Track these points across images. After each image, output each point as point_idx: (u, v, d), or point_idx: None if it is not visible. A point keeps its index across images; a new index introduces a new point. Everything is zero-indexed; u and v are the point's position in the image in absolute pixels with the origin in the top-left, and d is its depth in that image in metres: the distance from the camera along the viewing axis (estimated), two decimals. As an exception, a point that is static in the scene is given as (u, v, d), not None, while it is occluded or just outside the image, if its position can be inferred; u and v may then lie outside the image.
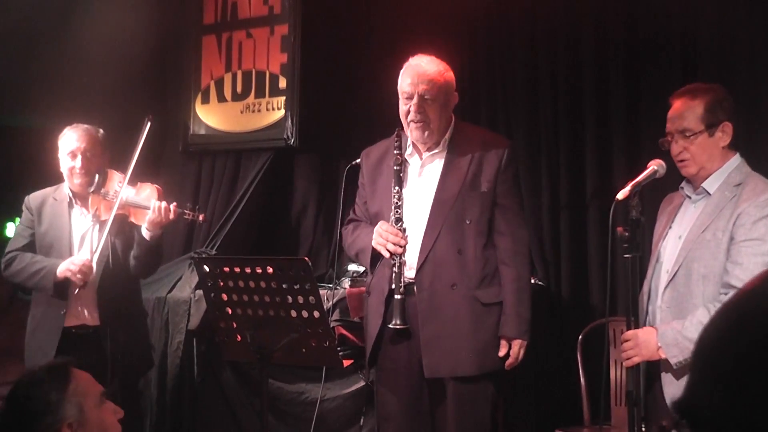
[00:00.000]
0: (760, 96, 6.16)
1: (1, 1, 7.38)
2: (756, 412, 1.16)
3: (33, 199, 6.47)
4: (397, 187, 5.33)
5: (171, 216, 6.15)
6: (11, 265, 6.35)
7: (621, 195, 4.74)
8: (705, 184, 4.71)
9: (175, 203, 6.16)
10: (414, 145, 5.46)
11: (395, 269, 5.28)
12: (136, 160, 6.23)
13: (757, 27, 6.24)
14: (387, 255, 5.28)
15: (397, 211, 5.31)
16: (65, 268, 6.12)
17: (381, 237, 5.29)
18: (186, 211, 6.23)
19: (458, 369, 5.30)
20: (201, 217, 6.43)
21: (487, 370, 5.35)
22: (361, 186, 5.76)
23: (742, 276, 4.45)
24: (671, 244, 4.82)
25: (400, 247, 5.25)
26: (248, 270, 4.92)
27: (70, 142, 6.27)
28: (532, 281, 6.67)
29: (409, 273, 5.34)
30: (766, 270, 1.31)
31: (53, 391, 3.25)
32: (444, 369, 5.32)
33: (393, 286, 5.29)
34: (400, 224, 5.29)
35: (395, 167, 5.36)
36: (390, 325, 5.32)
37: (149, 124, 6.25)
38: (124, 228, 6.29)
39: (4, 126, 8.56)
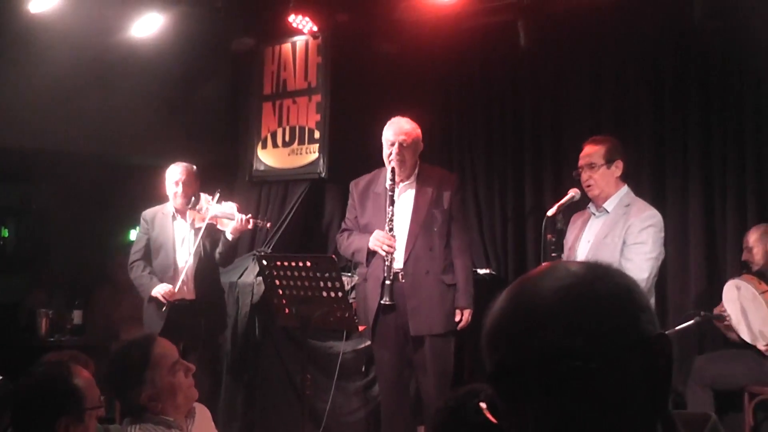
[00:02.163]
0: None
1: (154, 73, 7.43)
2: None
3: (148, 213, 6.60)
4: (391, 207, 5.41)
5: (249, 225, 6.30)
6: (131, 271, 6.52)
7: (550, 212, 4.99)
8: (605, 205, 4.90)
9: (251, 215, 6.32)
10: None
11: (387, 263, 5.38)
12: (220, 192, 6.39)
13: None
14: (383, 253, 5.37)
15: (390, 223, 5.40)
16: (156, 292, 6.31)
17: (378, 241, 5.41)
18: (258, 221, 6.41)
19: (433, 329, 5.45)
20: (268, 225, 6.65)
21: (450, 329, 5.50)
22: (351, 206, 5.86)
23: (632, 269, 4.55)
24: (582, 246, 4.93)
25: (392, 248, 5.35)
26: (293, 264, 5.02)
27: (175, 174, 6.44)
28: (488, 271, 6.75)
29: (397, 264, 5.44)
30: (546, 265, 1.41)
31: (136, 361, 3.23)
32: (424, 329, 5.45)
33: (385, 275, 5.38)
34: (392, 232, 5.37)
35: (389, 193, 5.43)
36: (381, 302, 5.40)
37: (218, 195, 6.44)
38: (211, 233, 6.40)
39: (133, 165, 8.62)
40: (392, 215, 5.42)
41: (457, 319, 5.50)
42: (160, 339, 3.35)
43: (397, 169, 5.48)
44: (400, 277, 5.46)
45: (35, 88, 6.93)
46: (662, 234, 4.82)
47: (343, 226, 5.92)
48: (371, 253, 5.52)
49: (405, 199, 5.60)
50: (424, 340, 5.46)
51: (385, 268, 5.39)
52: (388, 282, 5.37)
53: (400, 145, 5.46)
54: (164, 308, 6.27)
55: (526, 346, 1.26)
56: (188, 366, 3.34)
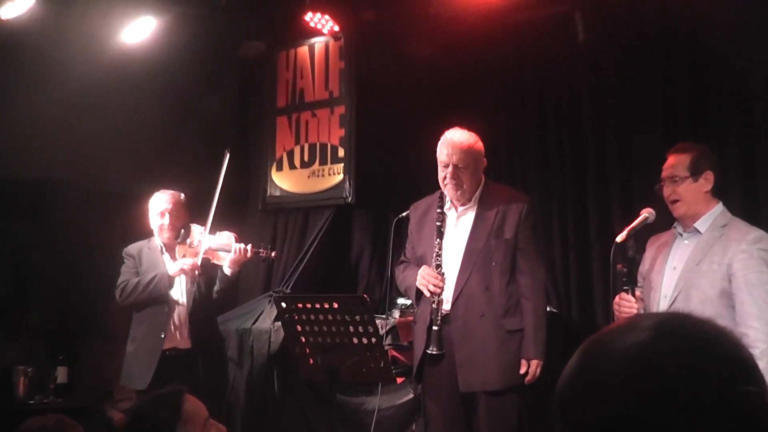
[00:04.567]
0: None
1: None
2: None
3: (131, 248, 6.66)
4: (438, 239, 5.37)
5: (248, 255, 6.29)
6: (125, 289, 6.45)
7: (619, 238, 4.86)
8: (696, 225, 4.76)
9: (251, 244, 6.27)
10: (451, 200, 5.47)
11: (434, 305, 5.30)
12: (214, 213, 6.42)
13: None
14: (428, 294, 5.31)
15: (437, 259, 5.34)
16: (178, 267, 6.34)
17: (424, 279, 5.34)
18: (260, 251, 6.40)
19: (487, 384, 5.33)
20: (273, 254, 6.61)
21: (511, 385, 5.34)
22: (410, 233, 5.80)
23: (752, 304, 4.51)
24: (668, 275, 4.81)
25: (439, 288, 5.26)
26: (317, 305, 4.97)
27: (161, 203, 6.49)
28: (548, 309, 6.66)
29: (446, 306, 5.36)
30: (621, 321, 1.48)
31: (167, 418, 3.24)
32: (476, 384, 5.34)
33: (432, 318, 5.31)
34: (439, 269, 5.30)
35: (437, 223, 5.40)
36: (427, 351, 5.34)
37: (228, 156, 6.49)
38: (206, 269, 6.39)
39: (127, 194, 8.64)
40: (440, 249, 5.37)
41: (522, 371, 5.36)
42: (189, 395, 3.39)
43: (453, 194, 5.42)
44: (450, 320, 5.39)
45: (8, 109, 6.95)
46: None
47: (402, 256, 5.88)
48: (420, 292, 5.47)
49: (462, 226, 5.51)
50: (479, 398, 5.36)
51: (432, 311, 5.32)
52: (434, 328, 5.30)
53: (455, 166, 5.36)
54: (195, 281, 6.37)
55: (586, 418, 1.34)
56: (219, 427, 3.36)
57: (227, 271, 6.35)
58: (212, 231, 6.41)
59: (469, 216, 5.52)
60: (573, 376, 1.40)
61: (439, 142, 5.49)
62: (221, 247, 6.37)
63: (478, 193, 5.53)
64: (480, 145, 5.49)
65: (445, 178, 5.40)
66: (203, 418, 3.32)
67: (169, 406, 3.28)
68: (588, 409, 1.33)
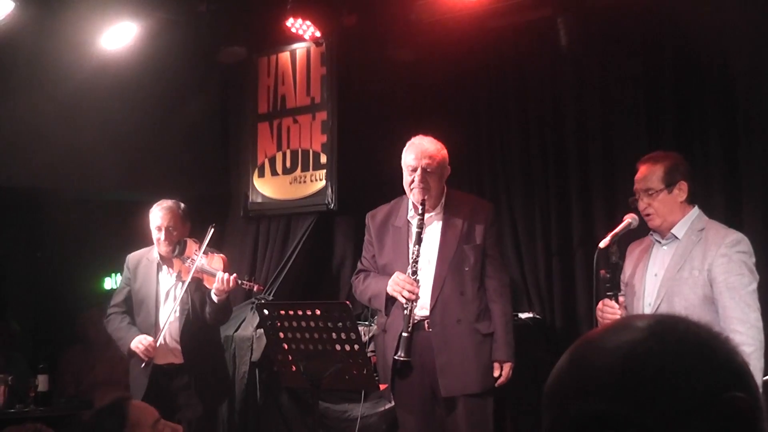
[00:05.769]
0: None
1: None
2: None
3: (132, 258, 6.67)
4: (416, 246, 5.35)
5: (231, 285, 6.23)
6: (108, 323, 6.62)
7: (602, 244, 4.83)
8: (673, 231, 4.78)
9: (235, 275, 6.25)
10: (415, 208, 5.50)
11: (406, 312, 5.29)
12: (211, 235, 6.35)
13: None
14: (403, 300, 5.30)
15: (414, 265, 5.33)
16: (136, 344, 6.34)
17: (398, 285, 5.33)
18: (244, 282, 6.36)
19: (468, 388, 5.38)
20: (256, 288, 6.55)
21: (488, 387, 5.42)
22: (368, 242, 5.83)
23: (736, 309, 4.53)
24: (650, 282, 4.83)
25: (414, 294, 5.28)
26: (300, 312, 4.97)
27: (156, 219, 6.44)
28: (531, 315, 6.70)
29: (422, 312, 5.38)
30: (613, 321, 1.49)
31: (111, 428, 3.24)
32: (457, 388, 5.37)
33: (404, 326, 5.31)
34: (415, 276, 5.31)
35: (416, 229, 5.38)
36: (395, 357, 5.34)
37: (212, 231, 6.42)
38: (200, 287, 6.39)
39: (106, 201, 8.62)
40: (417, 256, 5.36)
41: (495, 374, 5.44)
42: (135, 401, 3.37)
43: (419, 198, 5.40)
44: (426, 326, 5.39)
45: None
46: (754, 259, 4.68)
47: (359, 266, 5.87)
48: (391, 300, 5.45)
49: (430, 233, 5.54)
50: (458, 402, 5.38)
51: (404, 317, 5.32)
52: (405, 334, 5.28)
53: (423, 170, 5.38)
54: (143, 365, 6.29)
55: (570, 411, 1.34)
56: (174, 427, 3.34)
57: (213, 297, 6.33)
58: (206, 252, 6.39)
59: (436, 224, 5.57)
60: (563, 369, 1.40)
61: (406, 148, 5.55)
62: (210, 272, 6.34)
63: (442, 201, 5.58)
64: (445, 153, 5.55)
65: (412, 182, 5.42)
66: (151, 421, 3.31)
67: (112, 416, 3.27)
68: (573, 401, 1.33)
